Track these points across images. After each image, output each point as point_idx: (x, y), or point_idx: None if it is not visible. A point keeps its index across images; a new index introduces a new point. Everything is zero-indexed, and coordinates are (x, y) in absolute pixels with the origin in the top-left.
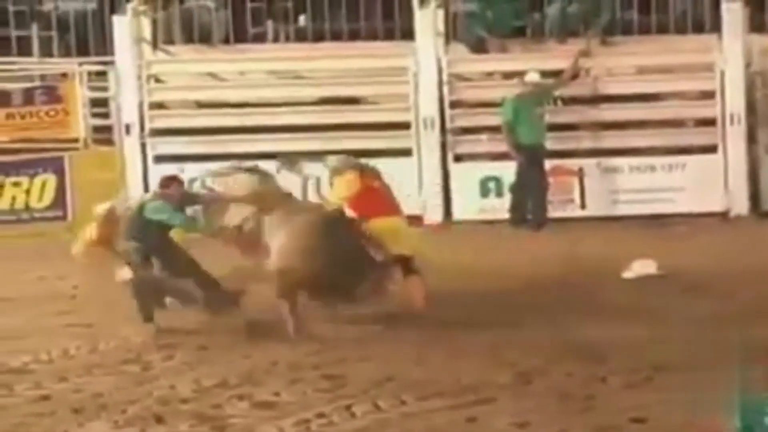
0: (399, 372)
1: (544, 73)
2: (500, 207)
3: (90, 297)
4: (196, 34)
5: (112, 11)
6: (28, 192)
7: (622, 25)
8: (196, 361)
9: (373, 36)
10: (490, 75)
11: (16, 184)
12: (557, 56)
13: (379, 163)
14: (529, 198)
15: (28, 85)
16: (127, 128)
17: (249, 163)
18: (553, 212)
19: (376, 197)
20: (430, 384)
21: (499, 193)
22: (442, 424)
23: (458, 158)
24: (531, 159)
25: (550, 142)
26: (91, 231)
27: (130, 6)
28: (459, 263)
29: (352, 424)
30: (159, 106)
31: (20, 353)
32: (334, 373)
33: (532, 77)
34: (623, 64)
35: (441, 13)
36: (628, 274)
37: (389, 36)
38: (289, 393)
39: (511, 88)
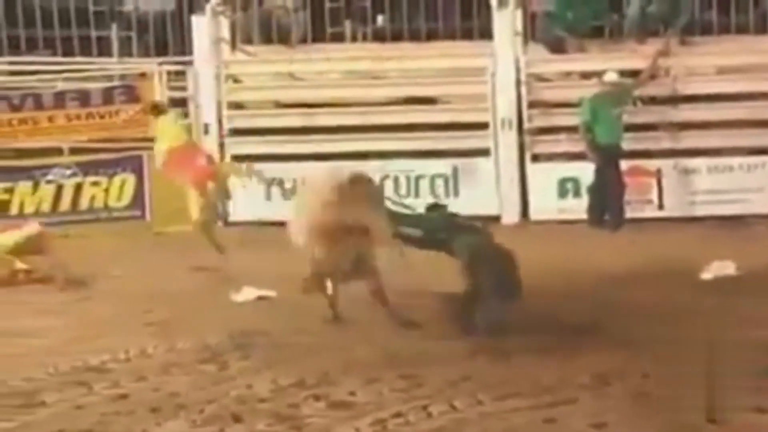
0: (476, 372)
1: (623, 73)
2: (578, 207)
3: (168, 296)
4: (275, 34)
5: (191, 11)
6: (107, 191)
7: (701, 25)
8: (273, 360)
9: (451, 36)
10: (568, 75)
11: (95, 184)
12: (636, 56)
13: (457, 164)
14: (607, 198)
15: (108, 84)
16: (206, 128)
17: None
18: (631, 213)
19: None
20: (507, 384)
21: (577, 194)
22: (519, 424)
23: (536, 158)
24: (607, 159)
25: (629, 143)
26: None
27: (209, 6)
28: (536, 264)
29: (429, 424)
30: (237, 106)
31: (99, 352)
32: (410, 372)
33: (611, 77)
34: (702, 64)
35: (519, 12)
36: (706, 275)
37: (467, 36)
38: (366, 393)
39: (590, 88)
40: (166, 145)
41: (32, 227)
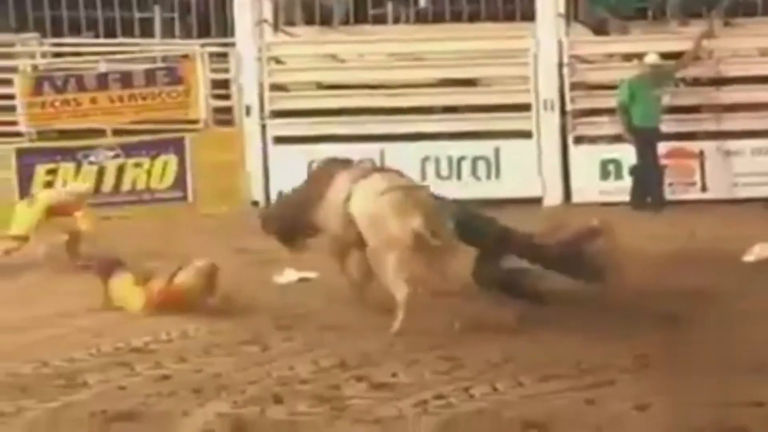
0: (517, 353)
1: (666, 56)
2: (620, 189)
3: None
4: (317, 15)
5: None
6: (149, 173)
7: (744, 6)
8: (315, 342)
9: (493, 17)
10: (610, 57)
11: (137, 165)
12: (679, 38)
13: (499, 145)
14: (647, 180)
15: (150, 66)
16: (248, 110)
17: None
18: (675, 195)
19: None
20: (548, 366)
21: (619, 176)
22: (560, 406)
23: (578, 140)
24: (644, 141)
25: (672, 125)
26: None
27: None
28: None
29: (471, 405)
30: (279, 87)
31: (141, 333)
32: (451, 354)
33: (651, 59)
34: (746, 46)
35: None
36: (748, 257)
37: (510, 17)
38: (407, 374)
39: (632, 70)
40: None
41: (80, 186)
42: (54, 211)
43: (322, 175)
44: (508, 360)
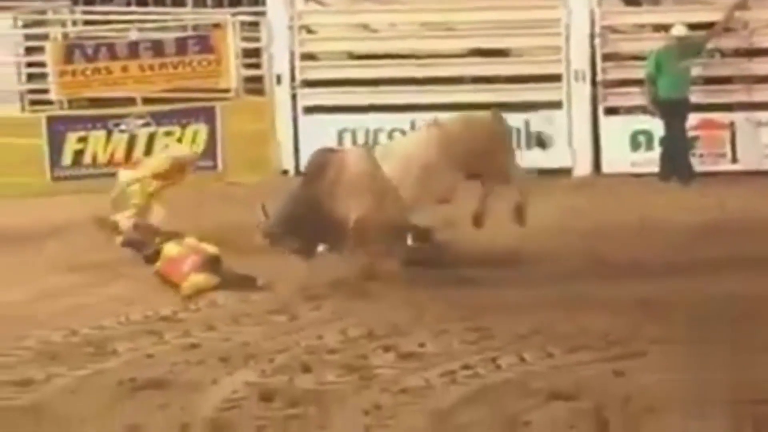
0: (545, 325)
1: (697, 26)
2: (651, 160)
3: (238, 246)
4: None
5: None
6: (179, 141)
7: None
8: (343, 311)
9: None
10: (642, 27)
11: (167, 134)
12: (711, 9)
13: (529, 116)
14: (674, 152)
15: (182, 35)
16: (278, 79)
17: None
18: (705, 166)
19: None
20: (577, 337)
21: (650, 147)
22: (589, 377)
23: (609, 111)
24: (670, 113)
25: (703, 96)
26: None
27: None
28: (608, 217)
29: (498, 375)
30: (310, 56)
31: (170, 302)
32: (479, 325)
33: (679, 31)
34: None
35: None
36: None
37: None
38: (435, 344)
39: (663, 41)
40: None
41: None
42: (158, 177)
43: (325, 164)
44: (537, 331)
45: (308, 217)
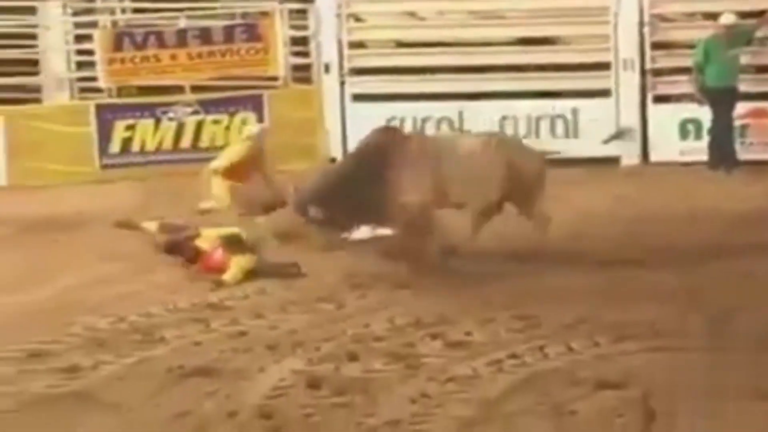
0: (593, 314)
1: (747, 15)
2: (699, 149)
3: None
4: None
5: None
6: (227, 129)
7: None
8: (390, 300)
9: None
10: (691, 16)
11: (216, 122)
12: None
13: (578, 104)
14: (721, 140)
15: (230, 23)
16: (326, 67)
17: None
18: (755, 155)
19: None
20: (624, 326)
21: (698, 136)
22: (635, 366)
23: (657, 100)
24: (718, 101)
25: (753, 84)
26: None
27: None
28: (656, 206)
29: (545, 364)
30: (358, 45)
31: (218, 290)
32: (526, 313)
33: (727, 19)
34: None
35: None
36: None
37: None
38: (482, 333)
39: (712, 29)
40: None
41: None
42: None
43: (386, 144)
44: (583, 320)
45: (354, 193)
